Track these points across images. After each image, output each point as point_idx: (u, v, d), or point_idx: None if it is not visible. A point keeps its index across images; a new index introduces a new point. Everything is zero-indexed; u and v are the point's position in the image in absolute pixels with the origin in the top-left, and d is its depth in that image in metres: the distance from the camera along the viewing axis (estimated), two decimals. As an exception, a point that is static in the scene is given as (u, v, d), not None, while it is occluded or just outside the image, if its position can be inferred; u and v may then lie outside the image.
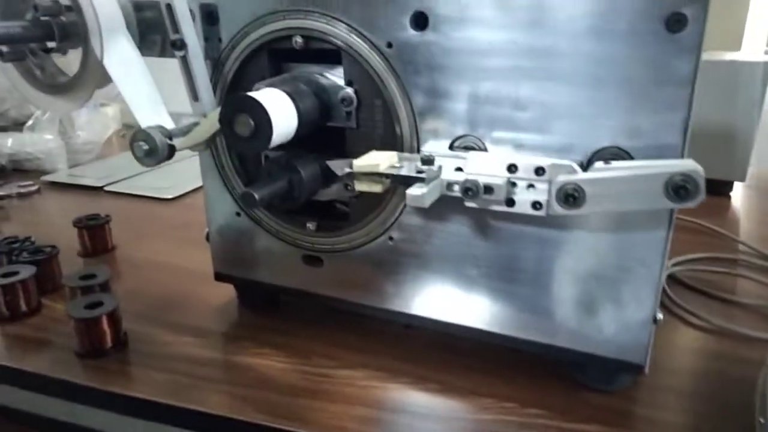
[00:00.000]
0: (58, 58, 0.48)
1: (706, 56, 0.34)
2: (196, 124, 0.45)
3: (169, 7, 0.43)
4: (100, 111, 1.11)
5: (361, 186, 0.41)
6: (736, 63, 0.78)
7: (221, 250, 0.54)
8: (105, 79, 0.45)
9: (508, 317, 0.44)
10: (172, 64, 0.46)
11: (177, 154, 0.44)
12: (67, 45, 0.45)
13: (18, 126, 1.08)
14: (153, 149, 0.42)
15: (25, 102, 1.05)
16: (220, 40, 0.47)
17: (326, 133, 0.45)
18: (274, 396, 0.44)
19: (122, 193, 0.89)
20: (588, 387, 0.44)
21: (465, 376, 0.46)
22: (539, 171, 0.37)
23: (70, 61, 0.48)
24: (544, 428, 0.41)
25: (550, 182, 0.37)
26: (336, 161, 0.44)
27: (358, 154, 0.43)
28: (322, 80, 0.45)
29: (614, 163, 0.36)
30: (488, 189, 0.38)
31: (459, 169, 0.40)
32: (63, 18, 0.44)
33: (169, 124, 0.44)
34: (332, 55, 0.44)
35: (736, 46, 1.38)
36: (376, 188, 0.40)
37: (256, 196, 0.41)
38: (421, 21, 0.40)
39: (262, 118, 0.39)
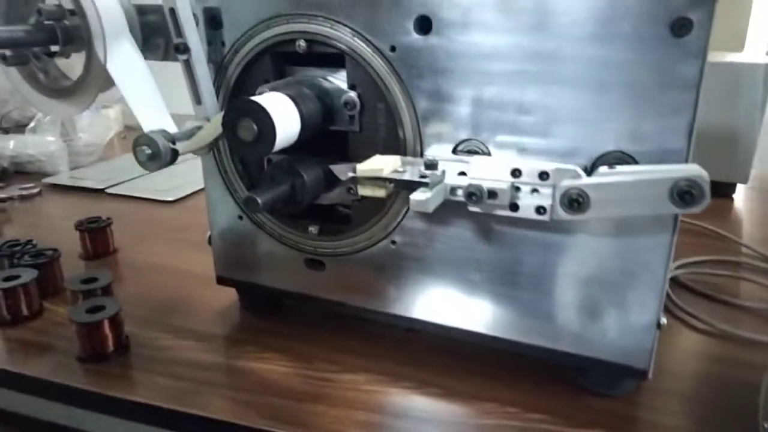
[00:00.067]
0: (60, 61, 0.48)
1: (708, 58, 0.34)
2: (199, 128, 0.45)
3: (172, 11, 0.43)
4: (102, 113, 1.11)
5: (364, 191, 0.41)
6: (739, 65, 0.78)
7: (223, 253, 0.54)
8: (108, 82, 0.45)
9: (511, 321, 0.44)
10: (175, 66, 0.46)
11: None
12: (71, 49, 0.45)
13: (20, 128, 1.08)
14: (156, 153, 0.42)
15: (27, 104, 1.05)
16: (223, 43, 0.47)
17: (329, 136, 0.45)
18: (277, 400, 0.44)
19: (123, 195, 0.89)
20: (591, 391, 0.44)
21: (467, 381, 0.46)
22: (543, 176, 0.37)
23: (72, 65, 0.48)
24: (547, 433, 0.41)
25: (554, 187, 0.37)
26: (339, 166, 0.44)
27: (361, 158, 0.43)
28: (325, 84, 0.45)
29: (618, 168, 0.36)
30: (492, 194, 0.38)
31: (462, 173, 0.40)
32: (66, 22, 0.44)
33: (172, 128, 0.44)
34: (335, 59, 0.44)
35: (739, 47, 1.37)
36: (380, 193, 0.40)
37: (259, 201, 0.41)
38: (425, 25, 0.40)
39: (265, 122, 0.39)
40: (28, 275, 0.55)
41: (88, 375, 0.47)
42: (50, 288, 0.59)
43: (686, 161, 0.36)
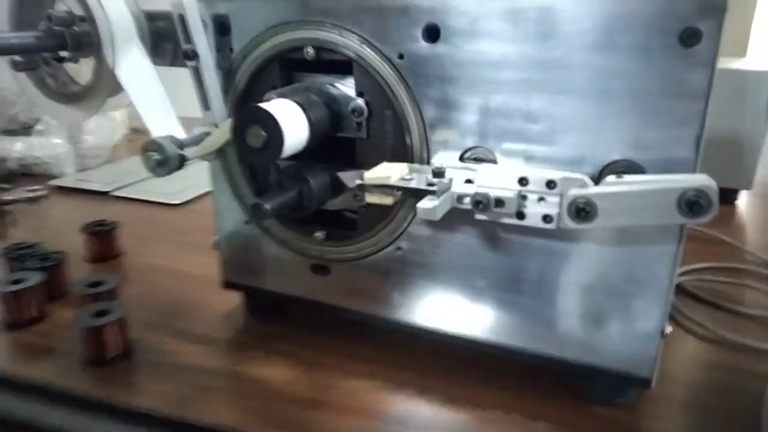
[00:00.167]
0: (69, 67, 0.49)
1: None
2: (207, 134, 0.45)
3: (181, 17, 0.43)
4: (108, 115, 1.11)
5: (372, 198, 0.41)
6: (744, 72, 0.78)
7: (229, 258, 0.55)
8: (117, 88, 0.45)
9: (516, 329, 0.44)
10: (183, 69, 0.46)
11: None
12: (80, 54, 0.46)
13: (26, 130, 1.08)
14: (164, 159, 0.42)
15: (33, 106, 1.05)
16: (231, 50, 0.47)
17: (336, 143, 0.45)
18: (282, 407, 0.44)
19: (129, 198, 0.90)
20: (595, 399, 0.44)
21: (471, 388, 0.46)
22: (550, 184, 0.37)
23: (81, 70, 0.48)
24: (552, 441, 0.41)
25: (561, 196, 0.37)
26: (347, 173, 0.44)
27: (368, 165, 0.43)
28: (333, 91, 0.45)
29: (626, 177, 0.36)
30: (499, 202, 0.38)
31: (469, 181, 0.40)
32: (76, 28, 0.45)
33: (180, 134, 0.45)
34: (343, 66, 0.44)
35: (741, 52, 1.37)
36: (387, 200, 0.41)
37: (267, 207, 0.41)
38: (433, 33, 0.40)
39: (273, 129, 0.39)
40: (35, 278, 0.55)
41: (92, 379, 0.47)
42: (56, 291, 0.59)
43: (694, 171, 0.36)
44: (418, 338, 0.49)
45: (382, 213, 0.46)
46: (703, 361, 0.51)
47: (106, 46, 0.43)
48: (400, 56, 0.42)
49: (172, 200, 0.87)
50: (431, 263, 0.46)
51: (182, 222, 0.81)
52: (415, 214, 0.43)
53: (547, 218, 0.38)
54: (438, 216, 0.38)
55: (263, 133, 0.39)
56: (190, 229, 0.78)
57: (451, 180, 0.40)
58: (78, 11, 0.44)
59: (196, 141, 0.45)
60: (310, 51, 0.44)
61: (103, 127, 1.07)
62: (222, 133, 0.44)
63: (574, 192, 0.36)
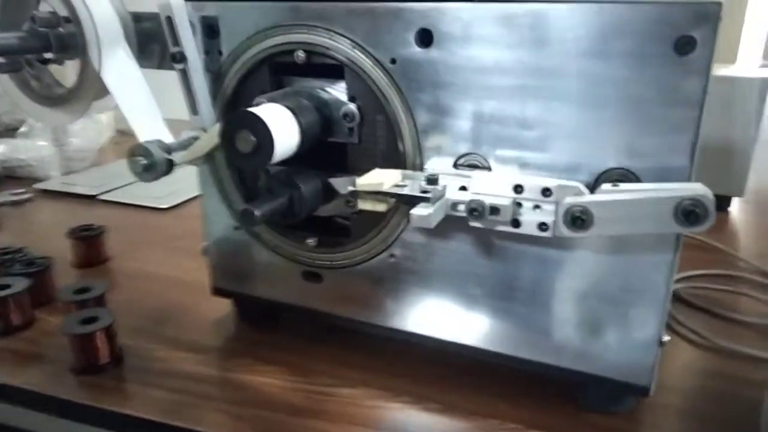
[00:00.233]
0: (54, 69, 0.48)
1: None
2: (195, 138, 0.44)
3: (169, 19, 0.42)
4: (94, 118, 1.09)
5: (364, 205, 0.40)
6: (734, 78, 0.78)
7: (219, 264, 0.54)
8: (102, 91, 0.44)
9: (511, 337, 0.44)
10: (170, 72, 0.45)
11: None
12: (65, 56, 0.45)
13: (11, 132, 1.06)
14: (152, 164, 0.41)
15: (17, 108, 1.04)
16: (220, 53, 0.46)
17: (328, 148, 0.44)
18: (274, 415, 0.43)
19: (116, 201, 0.88)
20: (592, 408, 0.44)
21: (467, 396, 0.45)
22: (546, 192, 0.37)
23: (66, 72, 0.47)
24: (547, 451, 0.40)
25: (557, 204, 0.37)
26: (339, 179, 0.44)
27: (360, 170, 0.42)
28: (324, 95, 0.44)
29: (622, 186, 0.35)
30: (494, 210, 0.38)
31: (463, 188, 0.40)
32: (61, 29, 0.43)
33: (168, 138, 0.44)
34: (334, 70, 0.43)
35: (732, 58, 1.38)
36: (380, 207, 0.40)
37: (256, 213, 0.41)
38: (425, 38, 0.40)
39: (263, 134, 0.38)
40: (20, 284, 0.54)
41: (81, 387, 0.46)
42: (42, 297, 0.58)
43: (689, 179, 0.36)
44: (412, 346, 0.48)
45: (375, 220, 0.45)
46: (699, 369, 0.50)
47: (92, 48, 0.42)
48: (393, 61, 0.41)
49: (160, 204, 0.86)
50: (425, 270, 0.45)
51: (171, 226, 0.80)
52: (408, 221, 0.42)
53: (542, 226, 0.38)
54: (433, 224, 0.38)
55: (253, 138, 0.38)
56: (179, 233, 0.76)
57: (445, 187, 0.40)
58: (62, 12, 0.43)
59: (184, 145, 0.44)
60: (300, 55, 0.44)
61: (88, 130, 1.05)
62: (210, 137, 0.43)
63: (570, 200, 0.36)
